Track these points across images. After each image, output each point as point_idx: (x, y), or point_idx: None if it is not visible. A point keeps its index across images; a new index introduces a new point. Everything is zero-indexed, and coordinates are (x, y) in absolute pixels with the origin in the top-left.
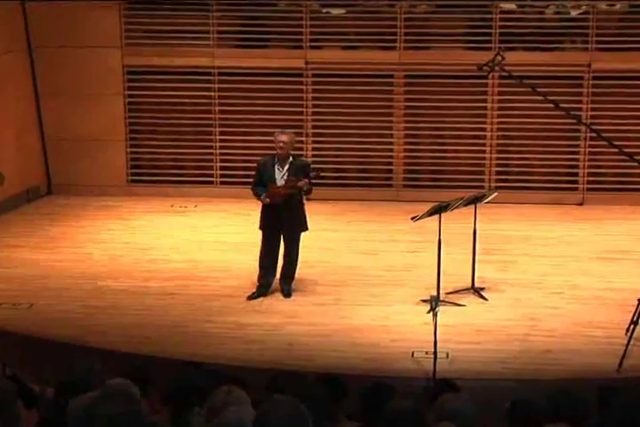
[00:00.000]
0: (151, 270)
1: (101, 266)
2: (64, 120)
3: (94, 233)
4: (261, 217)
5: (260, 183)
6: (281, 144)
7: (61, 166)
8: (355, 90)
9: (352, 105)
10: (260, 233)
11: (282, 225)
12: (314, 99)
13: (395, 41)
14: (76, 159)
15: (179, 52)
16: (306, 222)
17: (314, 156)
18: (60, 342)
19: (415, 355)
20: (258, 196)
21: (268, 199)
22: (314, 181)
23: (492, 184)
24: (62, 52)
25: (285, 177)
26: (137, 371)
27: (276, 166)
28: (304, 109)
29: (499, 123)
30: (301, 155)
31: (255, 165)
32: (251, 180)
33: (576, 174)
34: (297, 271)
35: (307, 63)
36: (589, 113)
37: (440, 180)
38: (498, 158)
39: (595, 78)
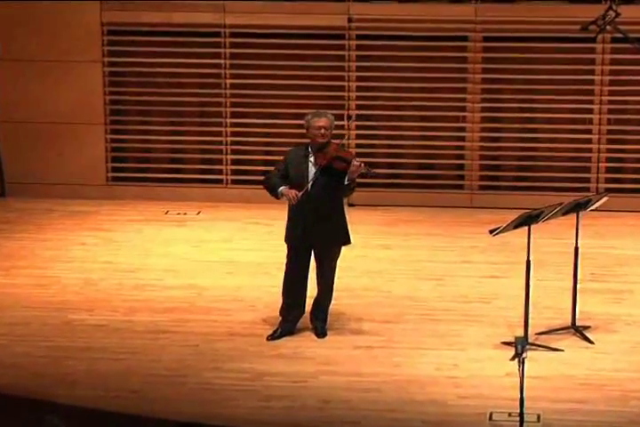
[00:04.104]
0: (139, 300)
1: (72, 293)
2: (23, 96)
3: (63, 249)
4: (287, 226)
5: (285, 178)
6: (322, 131)
7: (19, 159)
8: (414, 57)
9: (410, 78)
10: (284, 249)
11: (313, 237)
12: (359, 69)
13: None
14: (38, 149)
15: (177, 5)
16: (347, 233)
17: (358, 146)
18: (15, 395)
19: (494, 417)
20: (273, 190)
21: (292, 197)
22: (361, 180)
23: (601, 186)
24: (21, 6)
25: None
26: None
27: (310, 159)
28: (346, 83)
29: (610, 102)
30: (342, 145)
31: (282, 158)
32: None
33: None
34: (333, 302)
35: (350, 20)
36: None
37: (529, 179)
38: (609, 150)
39: None
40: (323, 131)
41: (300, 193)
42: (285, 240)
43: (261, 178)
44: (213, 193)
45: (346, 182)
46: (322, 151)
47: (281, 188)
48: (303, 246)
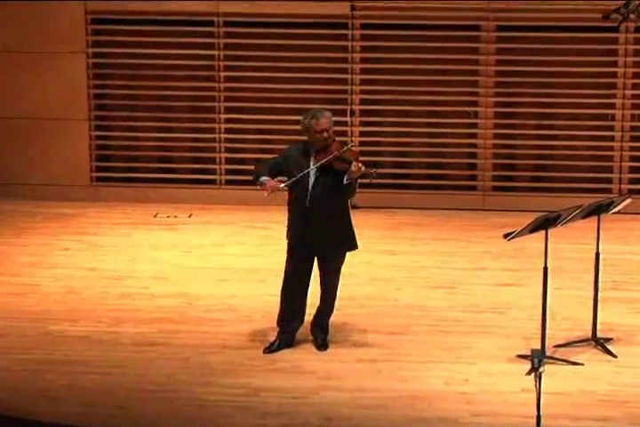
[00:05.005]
0: (125, 309)
1: (54, 303)
2: (2, 91)
3: (44, 254)
4: (289, 224)
5: (277, 171)
6: (324, 134)
7: None
8: (422, 48)
9: (418, 70)
10: (283, 255)
11: (315, 241)
12: (363, 60)
13: None
14: (18, 148)
15: None
16: (353, 238)
17: (361, 143)
18: None
19: None
20: (256, 178)
21: (267, 189)
22: (364, 180)
23: (624, 186)
24: None
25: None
26: None
27: (312, 158)
28: (349, 76)
29: (634, 97)
30: (346, 143)
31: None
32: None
33: None
34: (335, 311)
35: (353, 8)
36: None
37: (547, 180)
38: (632, 149)
39: None
40: (325, 134)
41: (283, 184)
42: (287, 237)
43: None
44: (206, 194)
45: (345, 182)
46: (324, 150)
47: (262, 177)
48: (304, 248)
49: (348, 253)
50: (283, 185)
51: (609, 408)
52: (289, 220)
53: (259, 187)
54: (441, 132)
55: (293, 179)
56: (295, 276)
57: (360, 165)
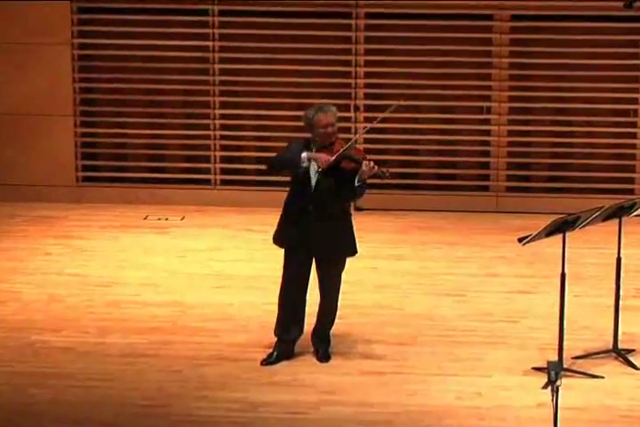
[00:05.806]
0: (113, 319)
1: (36, 311)
2: None
3: (25, 260)
4: (280, 227)
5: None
6: (329, 129)
7: None
8: (432, 39)
9: (427, 62)
10: (282, 260)
11: (314, 245)
12: (367, 52)
13: None
14: None
15: None
16: (353, 243)
17: (366, 141)
18: None
19: None
20: (290, 160)
21: (324, 161)
22: (371, 181)
23: None
24: None
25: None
26: None
27: None
28: (353, 69)
29: None
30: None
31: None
32: (266, 178)
33: None
34: (337, 320)
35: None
36: None
37: (564, 180)
38: None
39: None
40: (330, 129)
41: (333, 159)
42: (276, 239)
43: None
44: (200, 195)
45: (356, 184)
46: (327, 148)
47: (304, 153)
48: (303, 250)
49: (350, 259)
50: (333, 158)
51: (631, 424)
52: (283, 220)
53: (304, 164)
54: (451, 129)
55: (341, 151)
56: (293, 281)
57: (372, 163)
